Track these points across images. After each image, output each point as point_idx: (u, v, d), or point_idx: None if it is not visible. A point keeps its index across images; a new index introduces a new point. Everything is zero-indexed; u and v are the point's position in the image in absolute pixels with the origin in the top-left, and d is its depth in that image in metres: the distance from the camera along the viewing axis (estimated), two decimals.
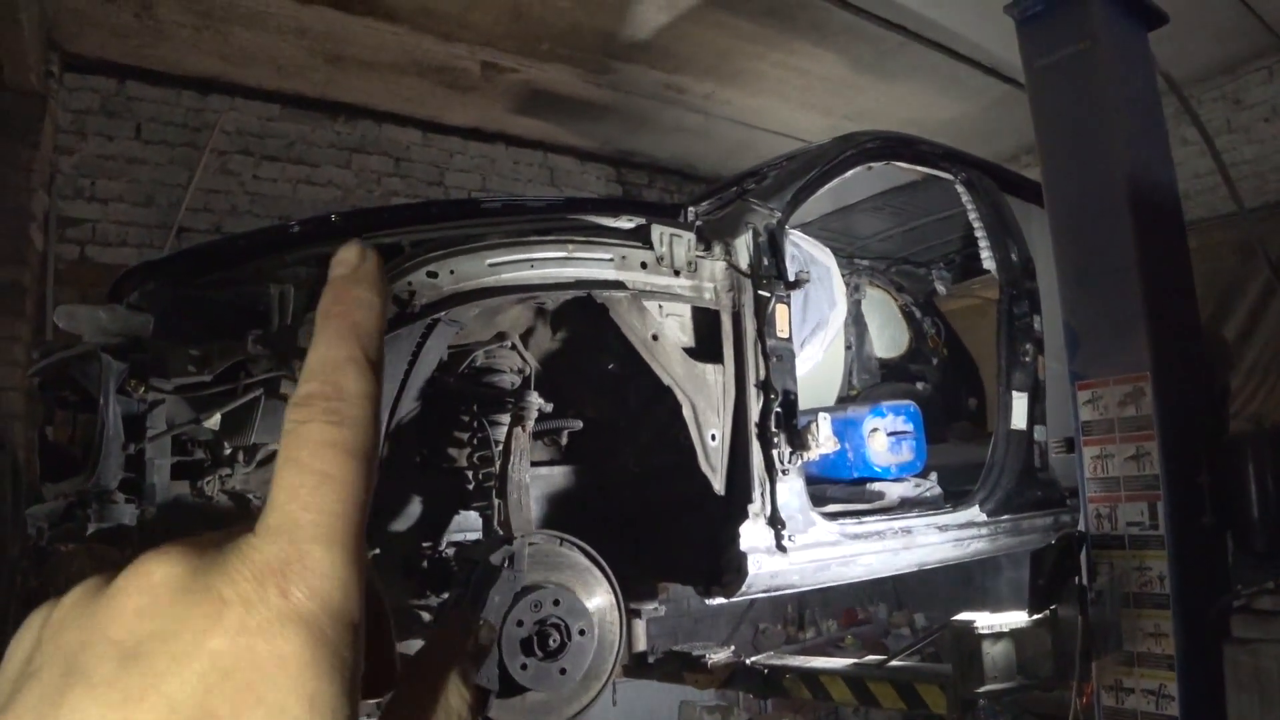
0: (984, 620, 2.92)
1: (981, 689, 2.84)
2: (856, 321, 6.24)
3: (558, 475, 3.19)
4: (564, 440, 3.16)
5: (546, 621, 2.45)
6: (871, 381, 6.25)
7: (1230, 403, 5.94)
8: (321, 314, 0.49)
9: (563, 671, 2.47)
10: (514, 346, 2.96)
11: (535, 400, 2.78)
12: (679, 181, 8.43)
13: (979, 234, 4.41)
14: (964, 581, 8.23)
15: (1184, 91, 3.69)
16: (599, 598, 2.62)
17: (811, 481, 3.99)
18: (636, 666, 3.58)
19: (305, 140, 6.83)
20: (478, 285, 2.59)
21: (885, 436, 3.93)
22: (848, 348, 6.25)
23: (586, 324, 2.91)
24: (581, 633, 2.50)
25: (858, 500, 3.75)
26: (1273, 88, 7.40)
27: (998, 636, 2.86)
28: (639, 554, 3.22)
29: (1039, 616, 2.88)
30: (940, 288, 6.39)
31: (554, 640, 2.45)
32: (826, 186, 3.67)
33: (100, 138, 6.05)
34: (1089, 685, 2.96)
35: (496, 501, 2.71)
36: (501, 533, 2.64)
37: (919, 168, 4.34)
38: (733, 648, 3.67)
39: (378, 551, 2.98)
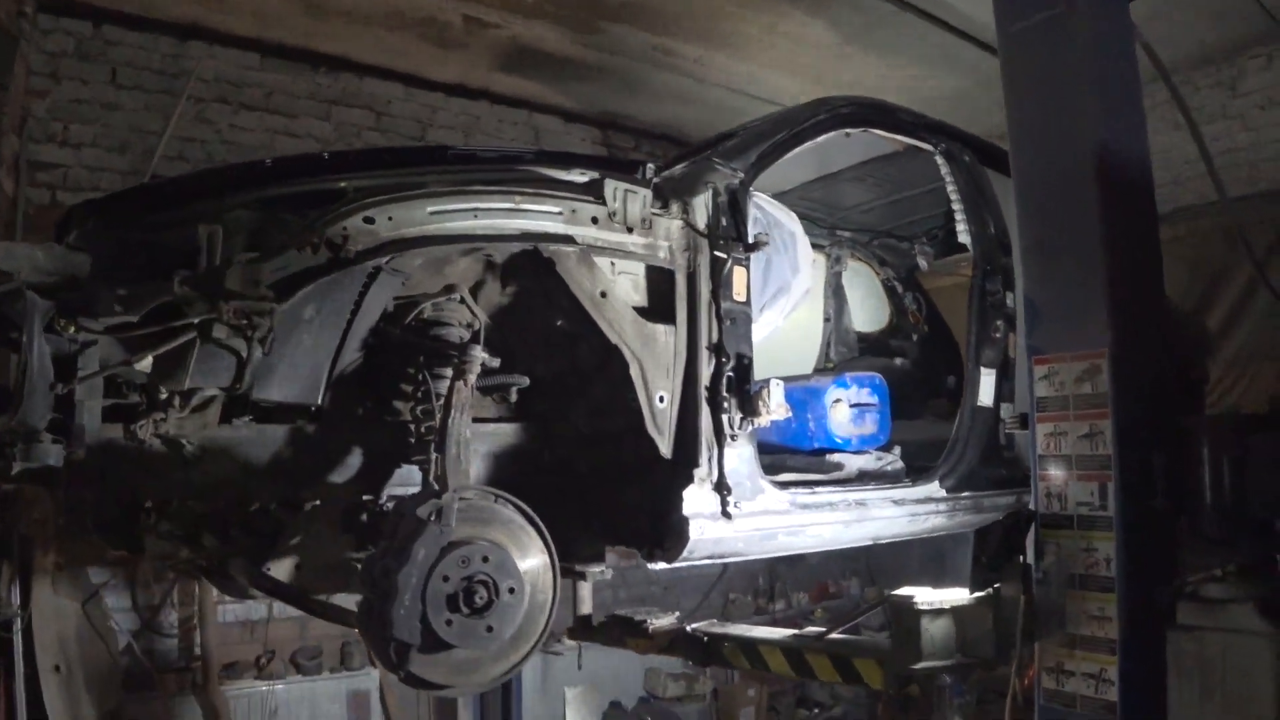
0: (924, 596, 2.87)
1: (918, 665, 2.79)
2: (836, 294, 6.16)
3: (506, 433, 3.13)
4: (513, 397, 3.10)
5: (474, 578, 2.39)
6: (849, 355, 6.17)
7: (1208, 393, 5.89)
8: None
9: (489, 629, 2.41)
10: (463, 300, 2.91)
11: (478, 354, 2.72)
12: (666, 147, 8.32)
13: (956, 207, 4.34)
14: (936, 558, 8.21)
15: (1170, 71, 3.60)
16: (533, 558, 2.56)
17: (771, 450, 3.95)
18: (581, 629, 3.54)
19: (285, 91, 6.72)
20: (418, 233, 2.52)
21: (848, 408, 3.87)
22: (826, 320, 6.18)
23: (536, 279, 2.84)
24: (511, 591, 2.44)
25: (816, 471, 3.70)
26: (1270, 75, 7.30)
27: (938, 613, 2.81)
28: (586, 515, 3.18)
29: (981, 594, 2.83)
30: (922, 263, 6.29)
31: (481, 597, 2.39)
32: (797, 150, 3.59)
33: (74, 81, 5.94)
34: (1030, 666, 2.92)
35: (434, 455, 2.65)
36: (436, 486, 2.58)
37: (897, 137, 4.26)
38: (677, 614, 3.62)
39: (317, 503, 2.94)
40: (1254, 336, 6.71)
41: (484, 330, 2.97)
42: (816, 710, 8.36)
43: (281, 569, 2.86)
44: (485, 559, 2.43)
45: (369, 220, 2.46)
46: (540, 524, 2.58)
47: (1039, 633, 2.81)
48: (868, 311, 6.40)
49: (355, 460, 2.93)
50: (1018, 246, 3.20)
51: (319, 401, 2.73)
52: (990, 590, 2.81)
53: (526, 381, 2.95)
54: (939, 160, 4.34)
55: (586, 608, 3.49)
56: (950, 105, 7.08)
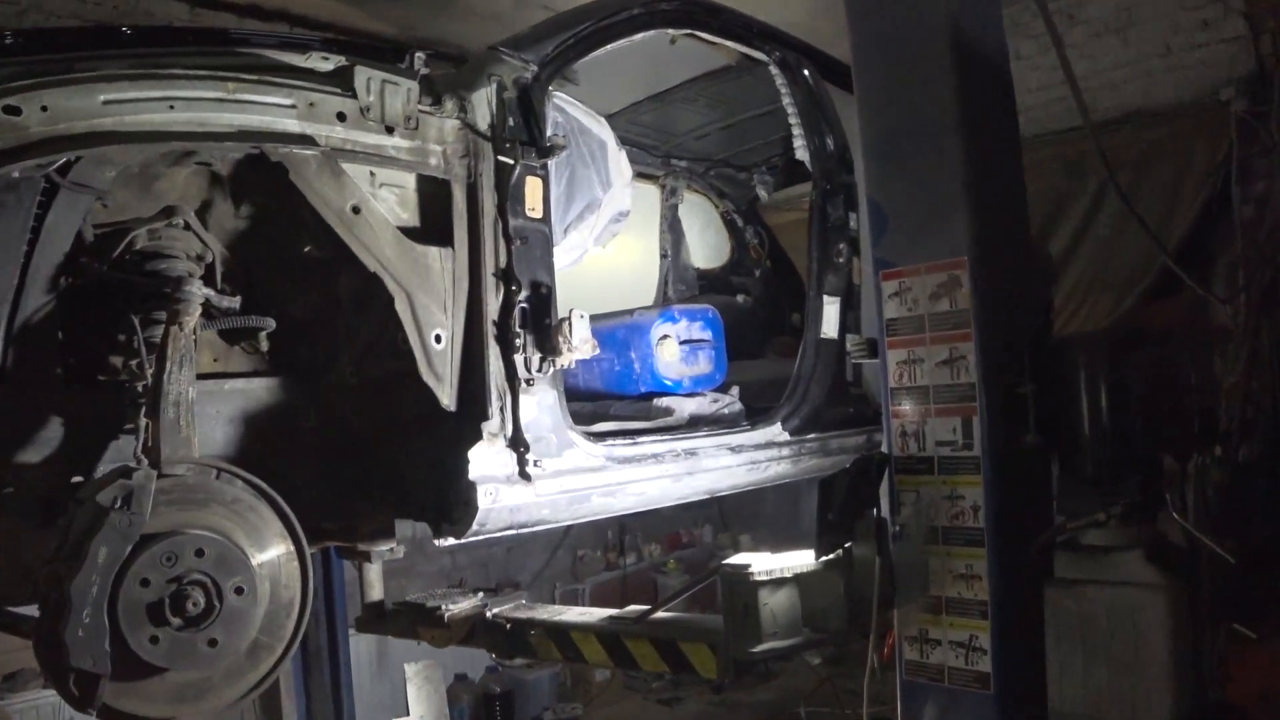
0: (762, 564, 2.45)
1: (758, 648, 2.38)
2: (672, 228, 5.78)
3: (259, 389, 2.54)
4: (264, 345, 2.52)
5: (184, 579, 1.85)
6: (688, 293, 5.81)
7: (1054, 320, 5.74)
8: None
9: (212, 643, 1.88)
10: (188, 225, 2.31)
11: (196, 291, 2.16)
12: None
13: (793, 121, 3.95)
14: (792, 501, 7.99)
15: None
16: (272, 546, 2.02)
17: (591, 397, 3.49)
18: (370, 619, 3.01)
19: (41, 9, 5.79)
20: (86, 129, 1.93)
21: (677, 345, 3.42)
22: (663, 256, 5.81)
23: (273, 194, 2.27)
24: (239, 591, 1.91)
25: (642, 418, 3.25)
26: (1109, 3, 7.18)
27: (779, 583, 2.40)
28: (367, 484, 2.64)
29: (829, 558, 2.42)
30: (762, 193, 5.93)
31: (196, 604, 1.85)
32: (609, 48, 3.08)
33: None
34: (890, 636, 2.53)
35: (144, 422, 2.07)
36: (145, 461, 2.01)
37: (727, 43, 3.81)
38: (480, 595, 3.12)
39: (10, 490, 2.32)
40: (1092, 265, 6.66)
41: (220, 262, 2.40)
42: None
43: None
44: (200, 553, 1.88)
45: (12, 110, 1.85)
46: (280, 502, 2.04)
47: (898, 598, 2.42)
48: (707, 246, 6.03)
49: (54, 433, 2.31)
50: (860, 144, 2.77)
51: None
52: (840, 552, 2.41)
53: (272, 324, 2.39)
54: (774, 71, 3.94)
55: (376, 593, 2.97)
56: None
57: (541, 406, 2.53)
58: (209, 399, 2.43)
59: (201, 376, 2.44)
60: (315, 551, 2.71)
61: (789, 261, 6.16)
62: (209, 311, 2.33)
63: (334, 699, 6.38)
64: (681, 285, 5.79)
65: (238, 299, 2.37)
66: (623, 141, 3.53)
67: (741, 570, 2.45)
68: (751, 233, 6.11)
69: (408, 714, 6.80)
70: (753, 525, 9.01)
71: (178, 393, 2.10)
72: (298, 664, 6.25)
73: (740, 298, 5.85)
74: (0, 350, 2.14)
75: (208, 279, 2.34)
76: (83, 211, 2.12)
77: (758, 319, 5.69)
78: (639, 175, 5.19)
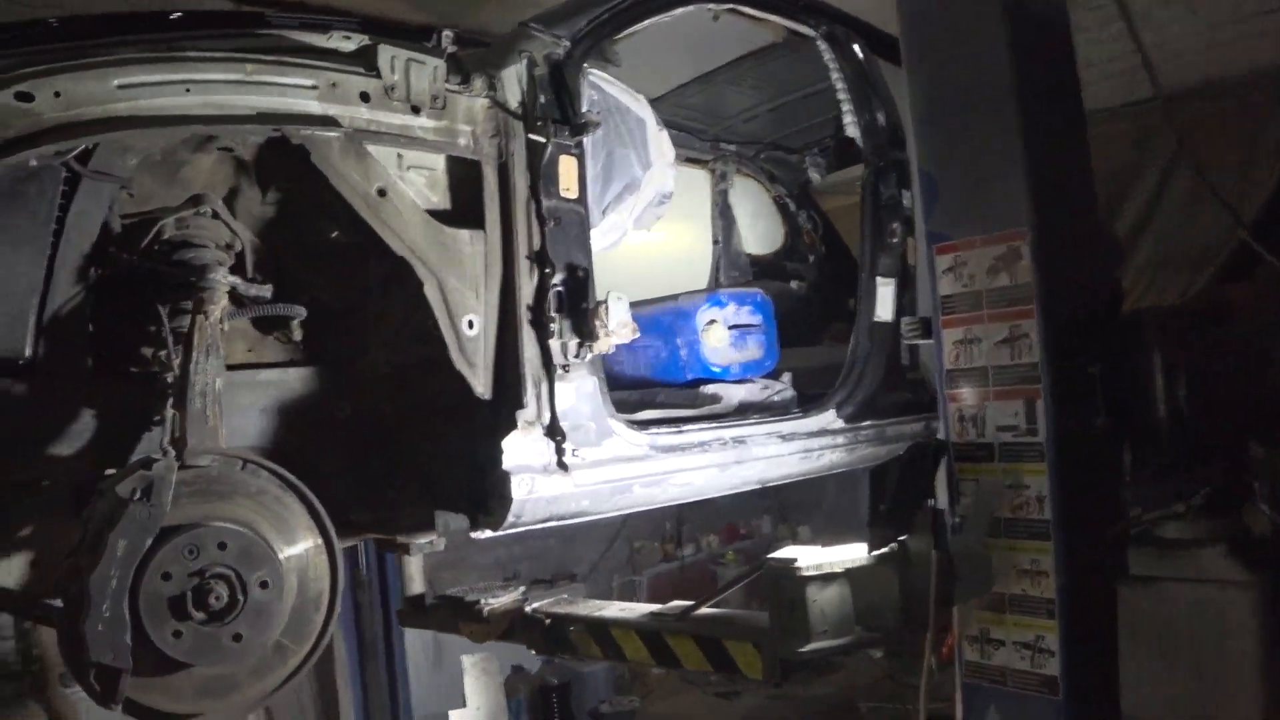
0: (810, 558, 2.32)
1: (806, 647, 2.25)
2: (723, 214, 5.65)
3: (293, 379, 2.50)
4: (297, 335, 2.47)
5: (207, 573, 1.80)
6: (742, 279, 5.67)
7: (1123, 302, 5.53)
8: None
9: (237, 638, 1.83)
10: (216, 214, 2.27)
11: (221, 280, 2.12)
12: None
13: (841, 97, 3.82)
14: (851, 490, 7.82)
15: None
16: (300, 539, 1.97)
17: (639, 385, 3.40)
18: (411, 613, 2.96)
19: (65, 6, 5.85)
20: (102, 114, 1.89)
21: (725, 330, 3.31)
22: (715, 243, 5.68)
23: (298, 179, 2.21)
24: (264, 585, 1.85)
25: (689, 405, 3.15)
26: None
27: (828, 579, 2.26)
28: (404, 476, 2.59)
29: (882, 551, 2.30)
30: (814, 175, 5.77)
31: (219, 597, 1.80)
32: (645, 23, 2.98)
33: None
34: (949, 635, 2.39)
35: (170, 412, 2.03)
36: (170, 452, 1.97)
37: (771, 17, 3.69)
38: (522, 589, 3.06)
39: (47, 483, 2.31)
40: (1161, 245, 6.42)
41: (250, 250, 2.36)
42: None
43: (10, 569, 2.27)
44: (223, 546, 1.83)
45: (24, 97, 1.81)
46: (307, 494, 1.98)
47: (957, 595, 2.29)
48: (759, 232, 5.89)
49: (86, 425, 2.29)
50: (910, 115, 2.64)
51: (26, 352, 2.11)
52: (894, 545, 2.29)
53: (303, 312, 2.34)
54: (821, 46, 3.81)
55: (417, 586, 2.92)
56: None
57: (580, 393, 2.45)
58: (242, 390, 2.39)
59: (235, 367, 2.42)
60: (352, 544, 2.67)
61: (844, 247, 6.01)
62: (239, 300, 2.29)
63: (390, 690, 6.39)
64: (735, 271, 5.66)
65: (268, 287, 2.33)
66: (670, 125, 3.44)
67: (788, 565, 2.33)
68: (805, 217, 5.96)
69: (464, 705, 6.79)
70: (813, 516, 8.88)
71: (204, 383, 2.06)
72: (354, 655, 6.27)
73: (795, 284, 5.71)
74: (30, 342, 2.12)
75: (238, 268, 2.31)
76: (107, 201, 2.09)
77: (813, 305, 5.55)
78: (688, 160, 5.09)
